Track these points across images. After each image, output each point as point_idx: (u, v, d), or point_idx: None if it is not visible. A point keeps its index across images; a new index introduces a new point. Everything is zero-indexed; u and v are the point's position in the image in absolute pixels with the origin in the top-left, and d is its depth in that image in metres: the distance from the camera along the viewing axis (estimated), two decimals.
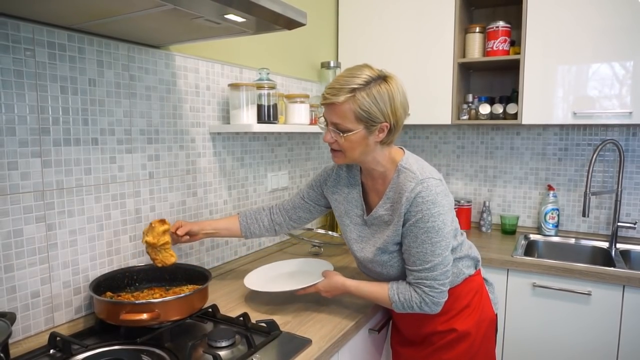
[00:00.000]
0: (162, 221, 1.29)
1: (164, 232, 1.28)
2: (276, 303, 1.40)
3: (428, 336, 1.33)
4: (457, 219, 1.32)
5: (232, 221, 1.48)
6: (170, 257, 1.29)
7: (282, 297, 1.44)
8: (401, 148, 1.28)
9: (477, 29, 2.18)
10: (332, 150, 1.23)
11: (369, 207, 1.32)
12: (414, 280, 1.19)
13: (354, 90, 1.11)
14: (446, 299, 1.21)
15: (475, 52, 2.18)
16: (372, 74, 1.13)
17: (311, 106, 1.89)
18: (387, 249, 1.24)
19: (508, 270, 1.91)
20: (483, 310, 1.34)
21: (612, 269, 1.76)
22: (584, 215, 1.98)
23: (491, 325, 1.37)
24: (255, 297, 1.45)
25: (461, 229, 1.39)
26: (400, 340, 1.44)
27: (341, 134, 1.16)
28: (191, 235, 1.38)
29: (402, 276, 1.26)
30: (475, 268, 1.37)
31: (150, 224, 1.28)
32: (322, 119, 1.22)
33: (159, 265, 1.28)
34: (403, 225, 1.19)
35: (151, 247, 1.27)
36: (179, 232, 1.34)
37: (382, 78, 1.14)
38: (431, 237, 1.16)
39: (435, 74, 2.20)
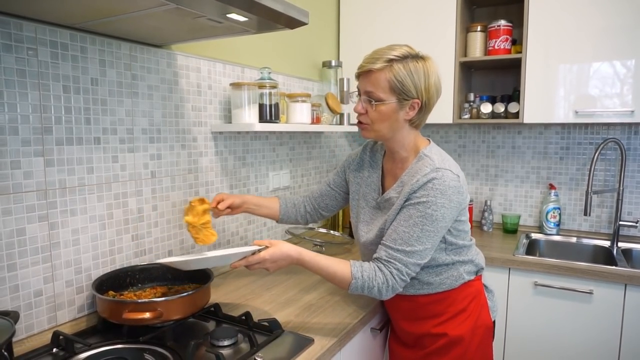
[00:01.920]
0: (202, 200, 1.28)
1: (204, 211, 1.26)
2: (279, 302, 1.40)
3: (420, 338, 1.31)
4: (469, 223, 1.30)
5: (273, 202, 1.48)
6: (211, 235, 1.27)
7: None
8: (428, 139, 1.29)
9: (479, 28, 2.17)
10: (360, 123, 1.23)
11: (383, 190, 1.31)
12: (386, 257, 1.15)
13: (391, 60, 1.14)
14: (399, 292, 1.18)
15: (476, 51, 2.18)
16: (411, 51, 1.18)
17: (312, 105, 1.89)
18: (387, 229, 1.21)
19: (509, 269, 1.91)
20: (479, 316, 1.30)
21: (613, 267, 1.76)
22: (585, 214, 1.98)
23: (487, 333, 1.33)
24: (257, 296, 1.45)
25: None
26: (396, 340, 1.43)
27: (373, 103, 1.17)
28: (232, 208, 1.37)
29: None
30: (476, 274, 1.33)
31: (190, 202, 1.27)
32: (355, 92, 1.24)
33: (200, 244, 1.27)
34: (403, 204, 1.17)
35: (192, 227, 1.26)
36: (220, 207, 1.32)
37: (420, 57, 1.18)
38: (424, 224, 1.13)
39: None
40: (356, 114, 1.23)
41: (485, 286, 1.38)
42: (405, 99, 1.16)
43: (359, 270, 1.15)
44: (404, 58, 1.15)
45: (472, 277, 1.31)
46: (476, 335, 1.29)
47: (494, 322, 1.38)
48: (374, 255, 1.19)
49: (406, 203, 1.17)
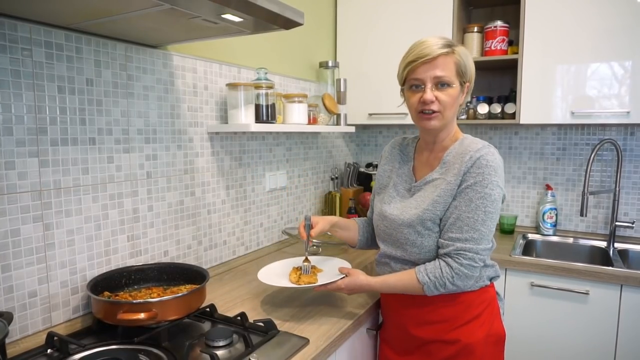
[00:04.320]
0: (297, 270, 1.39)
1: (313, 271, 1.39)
2: (274, 302, 1.40)
3: (427, 345, 1.25)
4: None
5: (353, 223, 1.46)
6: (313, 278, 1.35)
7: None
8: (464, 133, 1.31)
9: (475, 29, 2.18)
10: (425, 114, 1.19)
11: (417, 179, 1.29)
12: (455, 251, 1.14)
13: (450, 45, 1.16)
14: (476, 276, 1.18)
15: (473, 52, 2.18)
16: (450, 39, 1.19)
17: (309, 106, 1.89)
18: (436, 210, 1.18)
19: (506, 269, 1.91)
20: (493, 324, 1.25)
21: (610, 268, 1.76)
22: (582, 215, 1.98)
23: (500, 343, 1.27)
24: (253, 297, 1.45)
25: None
26: (392, 348, 1.36)
27: (446, 86, 1.16)
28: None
29: (429, 256, 1.21)
30: (491, 280, 1.29)
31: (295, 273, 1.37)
32: (412, 85, 1.20)
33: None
34: (458, 187, 1.16)
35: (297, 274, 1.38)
36: (312, 234, 1.32)
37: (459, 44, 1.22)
38: (486, 205, 1.13)
39: None
40: (423, 105, 1.18)
41: (497, 293, 1.34)
42: (463, 82, 1.19)
43: (424, 275, 1.16)
44: (455, 44, 1.18)
45: (489, 283, 1.27)
46: (489, 344, 1.23)
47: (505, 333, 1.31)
48: (442, 251, 1.17)
49: (462, 187, 1.15)
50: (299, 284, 1.30)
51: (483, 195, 1.13)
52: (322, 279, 1.33)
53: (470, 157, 1.16)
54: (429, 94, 1.16)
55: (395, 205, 1.28)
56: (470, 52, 2.13)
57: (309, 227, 1.34)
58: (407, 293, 1.22)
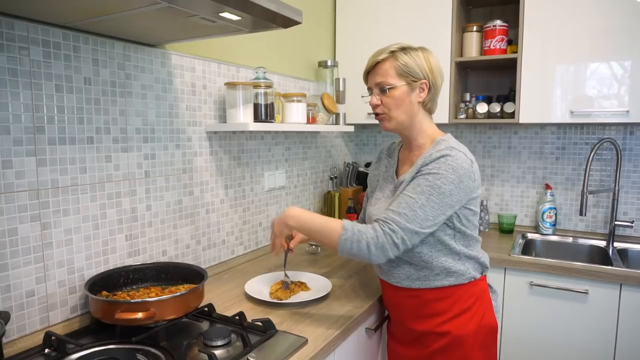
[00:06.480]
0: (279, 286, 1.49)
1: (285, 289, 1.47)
2: (273, 302, 1.40)
3: (423, 336, 1.30)
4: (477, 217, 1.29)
5: None
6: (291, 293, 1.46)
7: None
8: (446, 133, 1.33)
9: (475, 28, 2.17)
10: (378, 116, 1.30)
11: (398, 176, 1.35)
12: (384, 217, 1.16)
13: (393, 51, 1.25)
14: (391, 257, 1.15)
15: (472, 51, 2.18)
16: (408, 44, 1.28)
17: (308, 105, 1.89)
18: None
19: (505, 269, 1.90)
20: (484, 316, 1.29)
21: (609, 267, 1.76)
22: (581, 214, 1.98)
23: (491, 334, 1.30)
24: (251, 297, 1.45)
25: None
26: (396, 340, 1.42)
27: (386, 90, 1.24)
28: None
29: (410, 254, 1.24)
30: (481, 274, 1.32)
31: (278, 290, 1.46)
32: (366, 93, 1.33)
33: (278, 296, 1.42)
34: (415, 174, 1.21)
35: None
36: (292, 246, 1.41)
37: (417, 47, 1.28)
38: (431, 193, 1.14)
39: None
40: (372, 109, 1.30)
41: (489, 286, 1.36)
42: (414, 80, 1.24)
43: (351, 224, 1.17)
44: (403, 49, 1.25)
45: (478, 276, 1.30)
46: (480, 335, 1.27)
47: (498, 324, 1.34)
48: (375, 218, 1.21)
49: (417, 175, 1.20)
50: (271, 298, 1.41)
51: (432, 185, 1.15)
52: (304, 297, 1.42)
53: (431, 155, 1.20)
54: (373, 99, 1.29)
55: (379, 207, 1.33)
56: (469, 51, 2.16)
57: (289, 238, 1.42)
58: (321, 233, 1.20)
